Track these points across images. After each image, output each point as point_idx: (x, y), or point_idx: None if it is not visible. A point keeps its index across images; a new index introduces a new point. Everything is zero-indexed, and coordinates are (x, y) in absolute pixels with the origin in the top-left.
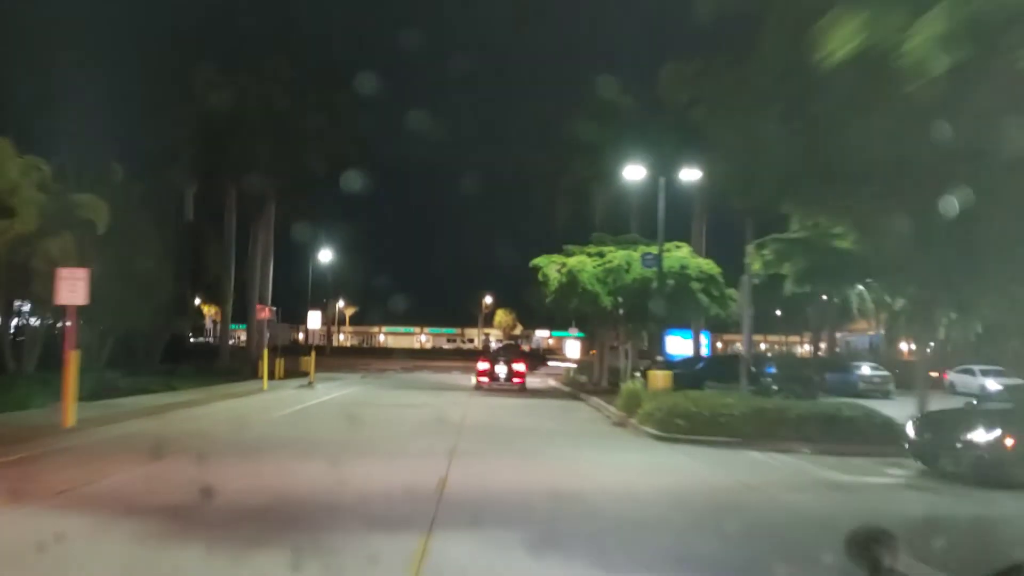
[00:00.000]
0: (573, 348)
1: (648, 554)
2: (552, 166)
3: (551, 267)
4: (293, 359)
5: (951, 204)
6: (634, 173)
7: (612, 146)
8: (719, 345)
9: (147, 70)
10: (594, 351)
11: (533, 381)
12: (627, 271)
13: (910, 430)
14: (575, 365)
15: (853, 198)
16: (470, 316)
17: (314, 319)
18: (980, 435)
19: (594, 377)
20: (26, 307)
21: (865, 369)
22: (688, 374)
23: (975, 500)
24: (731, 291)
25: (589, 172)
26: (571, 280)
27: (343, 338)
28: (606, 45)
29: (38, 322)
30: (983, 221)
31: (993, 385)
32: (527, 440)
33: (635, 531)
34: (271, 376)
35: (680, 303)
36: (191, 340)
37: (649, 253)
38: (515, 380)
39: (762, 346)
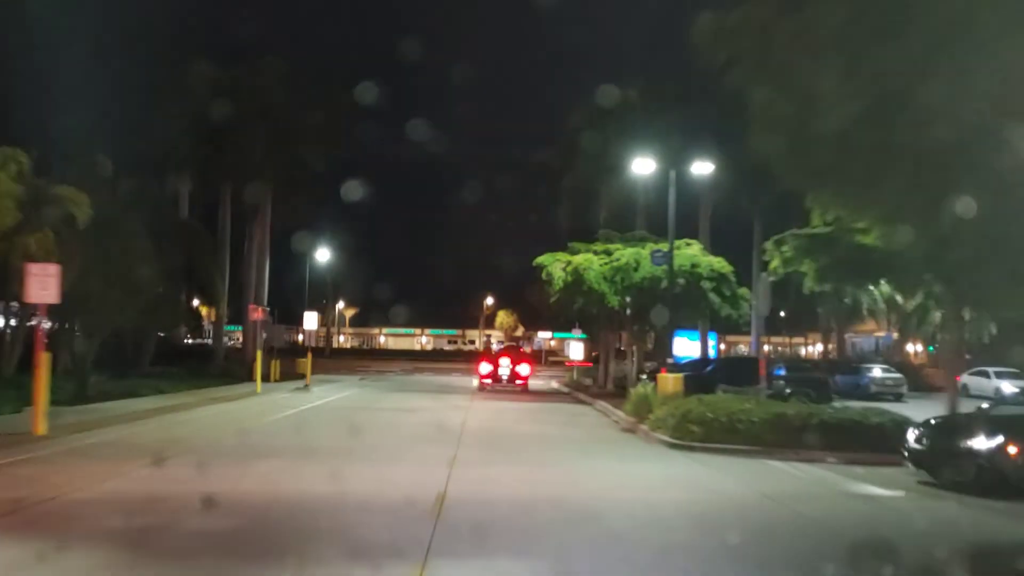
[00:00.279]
0: (576, 350)
1: None
2: (556, 164)
3: (556, 265)
4: (290, 361)
5: (992, 199)
6: (643, 167)
7: (618, 142)
8: (722, 347)
9: (140, 63)
10: (596, 353)
11: (535, 383)
12: (635, 270)
13: (910, 437)
14: (579, 366)
15: (903, 181)
16: (471, 317)
17: (310, 320)
18: (981, 442)
19: (599, 380)
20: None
21: (876, 371)
22: (698, 377)
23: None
24: (743, 290)
25: (594, 170)
26: (576, 279)
27: (343, 340)
28: (611, 41)
29: (16, 322)
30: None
31: (1009, 388)
32: (532, 448)
33: (660, 561)
34: (266, 379)
35: (691, 303)
36: (187, 341)
37: (659, 250)
38: (518, 382)
39: (765, 347)
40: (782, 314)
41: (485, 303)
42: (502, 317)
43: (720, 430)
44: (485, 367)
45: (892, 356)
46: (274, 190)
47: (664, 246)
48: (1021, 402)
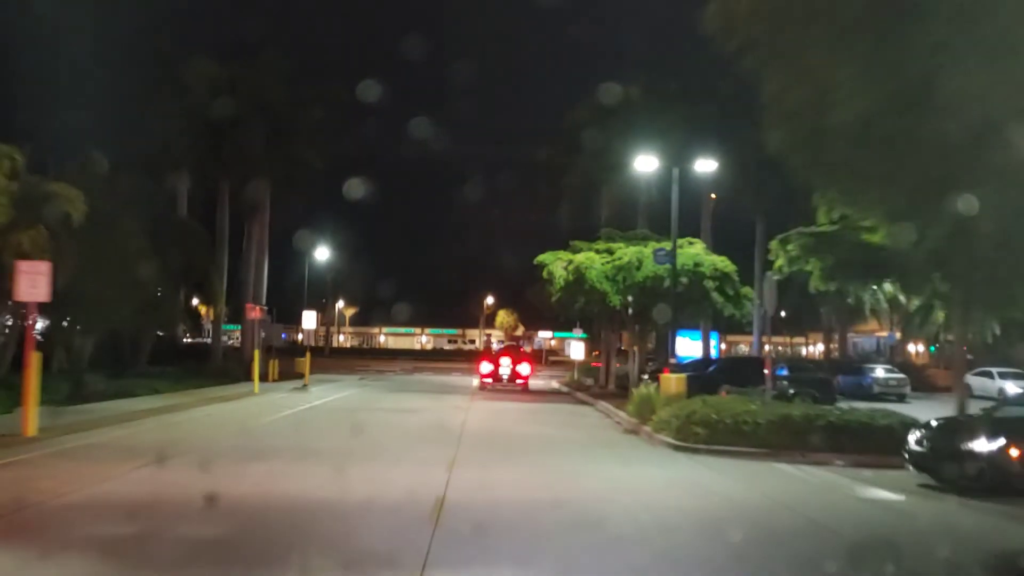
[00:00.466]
0: (577, 350)
1: None
2: (557, 162)
3: (557, 264)
4: (289, 360)
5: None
6: (646, 164)
7: (619, 139)
8: (722, 347)
9: (138, 59)
10: (597, 351)
11: (536, 383)
12: (638, 268)
13: (911, 439)
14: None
15: (920, 176)
16: (471, 317)
17: (309, 319)
18: (982, 444)
19: (600, 380)
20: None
21: (879, 371)
22: (700, 377)
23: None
24: (746, 289)
25: (595, 168)
26: (578, 278)
27: (343, 339)
28: (613, 38)
29: (10, 321)
30: None
31: (1013, 388)
32: (534, 450)
33: (668, 570)
34: (265, 378)
35: (694, 302)
36: (187, 341)
37: (662, 249)
38: (519, 381)
39: (766, 348)
40: (783, 314)
41: (485, 302)
42: (502, 316)
43: (725, 432)
44: (486, 367)
45: (894, 356)
46: (273, 188)
47: (667, 245)
48: None
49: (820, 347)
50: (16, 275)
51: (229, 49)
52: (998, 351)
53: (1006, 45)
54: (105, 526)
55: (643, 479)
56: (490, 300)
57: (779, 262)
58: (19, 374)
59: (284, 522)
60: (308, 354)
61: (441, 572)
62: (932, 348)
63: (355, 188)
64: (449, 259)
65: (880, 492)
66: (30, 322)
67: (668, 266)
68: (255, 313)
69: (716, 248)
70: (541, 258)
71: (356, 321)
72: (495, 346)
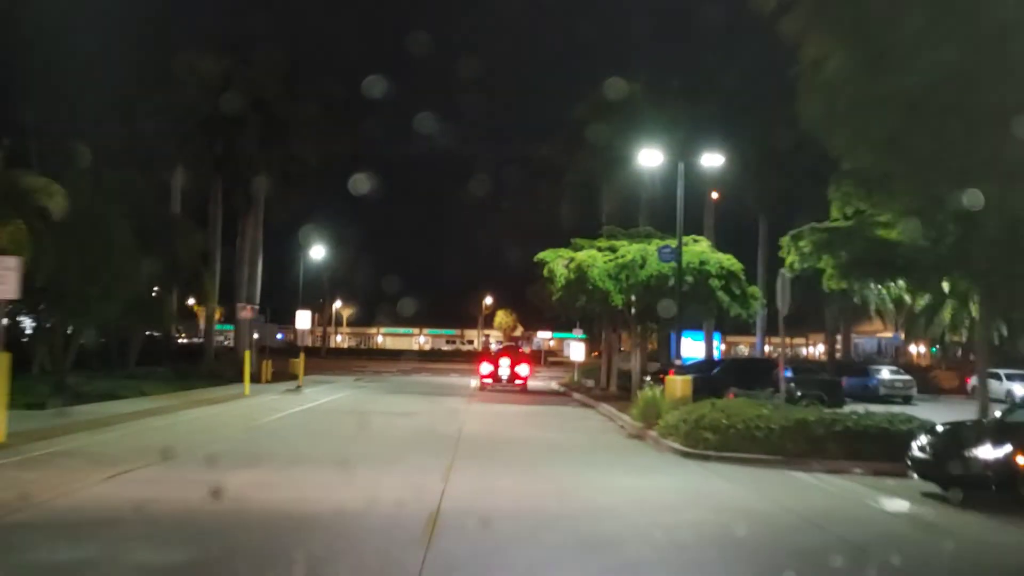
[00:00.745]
0: (577, 350)
1: None
2: (558, 160)
3: (558, 262)
4: (284, 361)
5: None
6: (650, 158)
7: (622, 135)
8: (723, 347)
9: (129, 52)
10: (596, 353)
11: (535, 384)
12: (641, 267)
13: (914, 446)
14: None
15: (977, 155)
16: (470, 317)
17: (303, 319)
18: (987, 451)
19: (601, 381)
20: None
21: (885, 373)
22: (706, 379)
23: None
24: (753, 288)
25: (597, 165)
26: (579, 276)
27: (340, 339)
28: (616, 35)
29: None
30: None
31: (1021, 390)
32: (534, 458)
33: None
34: (258, 379)
35: (699, 302)
36: (182, 341)
37: (667, 246)
38: (517, 382)
39: (767, 348)
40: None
41: (484, 302)
42: (501, 317)
43: (736, 438)
44: (486, 367)
45: (898, 357)
46: (267, 185)
47: (671, 242)
48: None
49: (820, 348)
50: None
51: (228, 43)
52: (1005, 352)
53: None
54: (56, 549)
55: (653, 490)
56: (489, 300)
57: (790, 259)
58: None
59: (260, 543)
60: (302, 355)
61: None
62: (934, 349)
63: (354, 187)
64: (448, 259)
65: (908, 505)
66: None
67: (673, 264)
68: (246, 312)
69: (719, 248)
70: (542, 256)
71: (353, 321)
72: (493, 347)
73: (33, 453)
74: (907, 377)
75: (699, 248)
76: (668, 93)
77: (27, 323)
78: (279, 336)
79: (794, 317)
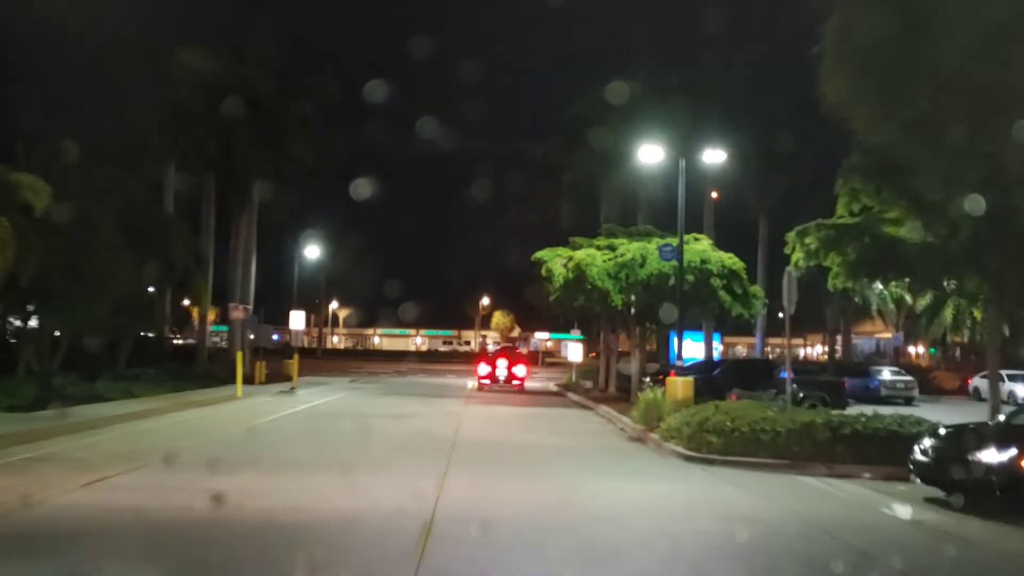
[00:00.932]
0: (574, 351)
1: None
2: (556, 159)
3: (556, 262)
4: (278, 362)
5: None
6: (650, 155)
7: (620, 134)
8: (720, 348)
9: (122, 49)
10: (593, 354)
11: (533, 384)
12: (641, 266)
13: (916, 449)
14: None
15: (1011, 138)
16: (467, 318)
17: (297, 319)
18: (992, 455)
19: (600, 383)
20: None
21: (886, 374)
22: (706, 381)
23: None
24: (755, 288)
25: (595, 164)
26: (578, 276)
27: (336, 340)
28: (615, 34)
29: None
30: None
31: (1023, 391)
32: (534, 463)
33: None
34: (251, 381)
35: (700, 301)
36: (177, 342)
37: (668, 244)
38: (515, 382)
39: (769, 349)
40: (780, 315)
41: (481, 303)
42: (498, 317)
43: (742, 441)
44: (484, 368)
45: (898, 358)
46: (261, 184)
47: (672, 240)
48: None
49: (819, 348)
50: None
51: (226, 43)
52: (1007, 354)
53: None
54: (16, 566)
55: (657, 497)
56: (486, 301)
57: (796, 256)
58: None
59: (239, 559)
60: (296, 356)
61: None
62: (932, 350)
63: (349, 188)
64: (445, 259)
65: (925, 513)
66: None
67: (673, 263)
68: (238, 313)
69: (718, 247)
70: (540, 255)
71: (350, 322)
72: (491, 348)
73: (9, 459)
74: (909, 378)
75: (700, 247)
76: (667, 91)
77: (14, 323)
78: (275, 337)
79: (792, 317)
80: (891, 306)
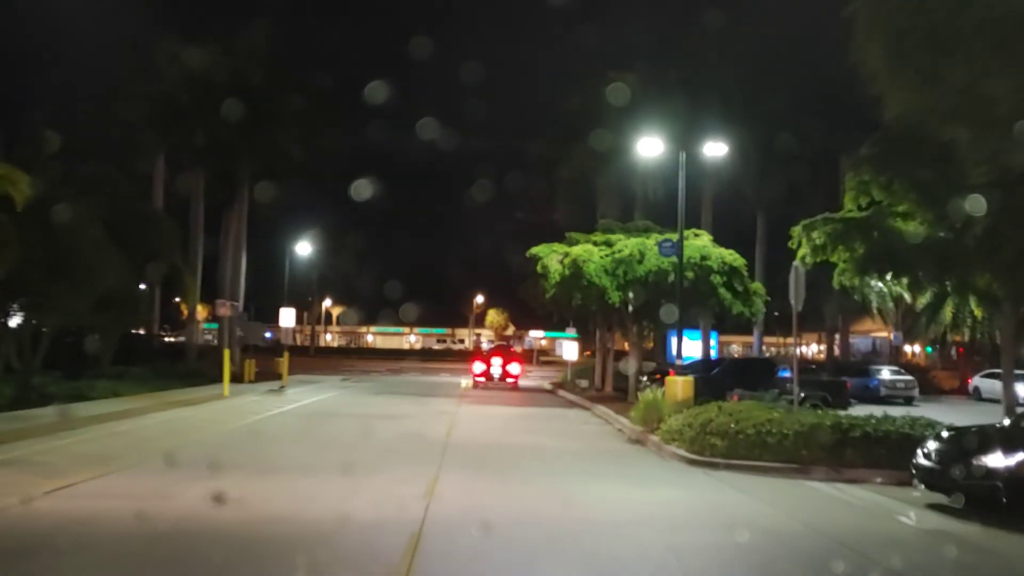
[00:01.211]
0: (569, 350)
1: None
2: (552, 155)
3: (552, 258)
4: (269, 360)
5: None
6: (649, 148)
7: (617, 129)
8: (717, 347)
9: (106, 36)
10: (588, 352)
11: (527, 383)
12: (640, 262)
13: (919, 453)
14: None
15: None
16: (461, 316)
17: (287, 317)
18: (998, 460)
19: (596, 382)
20: None
21: (886, 373)
22: (706, 380)
23: None
24: (756, 285)
25: (591, 160)
26: (575, 272)
27: (330, 338)
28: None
29: None
30: None
31: None
32: (529, 467)
33: None
34: (240, 379)
35: (700, 299)
36: (168, 340)
37: (667, 240)
38: (509, 380)
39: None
40: (776, 313)
41: (475, 301)
42: (493, 316)
43: (747, 444)
44: (478, 366)
45: (896, 357)
46: (252, 180)
47: (671, 235)
48: None
49: (815, 347)
50: None
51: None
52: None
53: None
54: None
55: (661, 504)
56: (480, 299)
57: (802, 251)
58: None
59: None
60: (286, 354)
61: None
62: (929, 349)
63: (348, 187)
64: (439, 257)
65: (944, 520)
66: None
67: (673, 259)
68: (224, 309)
69: (716, 245)
70: (535, 251)
71: (343, 320)
72: (485, 346)
73: None
74: (909, 378)
75: (700, 243)
76: (665, 85)
77: None
78: (267, 335)
79: (790, 316)
80: (890, 304)
